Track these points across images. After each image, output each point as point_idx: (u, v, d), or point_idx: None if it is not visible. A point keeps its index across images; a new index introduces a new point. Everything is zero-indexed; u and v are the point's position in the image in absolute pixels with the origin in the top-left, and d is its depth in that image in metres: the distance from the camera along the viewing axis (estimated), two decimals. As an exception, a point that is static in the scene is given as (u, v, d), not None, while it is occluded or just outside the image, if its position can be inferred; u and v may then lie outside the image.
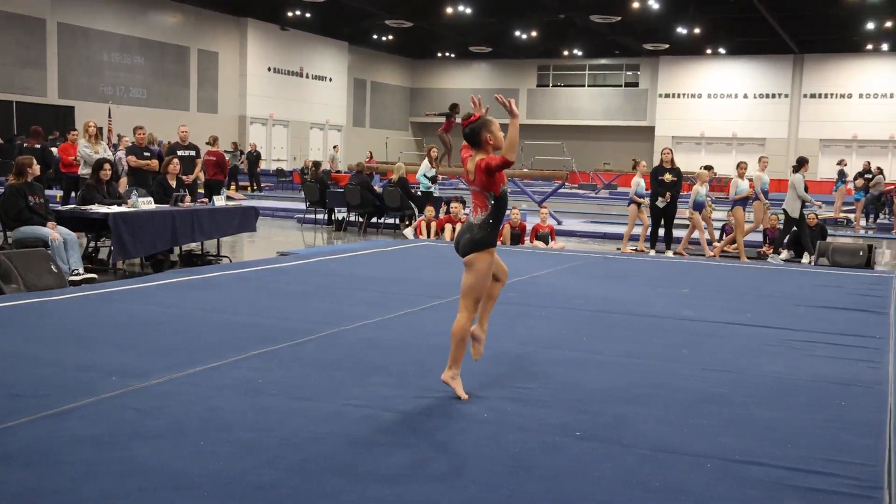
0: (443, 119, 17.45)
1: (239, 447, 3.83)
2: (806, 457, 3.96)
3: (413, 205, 15.89)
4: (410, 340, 6.15)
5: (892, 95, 37.98)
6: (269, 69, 36.48)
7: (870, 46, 36.93)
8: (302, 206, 18.31)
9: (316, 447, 3.87)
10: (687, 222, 14.04)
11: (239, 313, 6.96)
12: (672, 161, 13.28)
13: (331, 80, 40.37)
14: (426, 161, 16.16)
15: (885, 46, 36.73)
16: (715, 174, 13.99)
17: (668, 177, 13.06)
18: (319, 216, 17.60)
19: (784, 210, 13.26)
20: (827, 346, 6.39)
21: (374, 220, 16.64)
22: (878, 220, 21.55)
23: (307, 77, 38.86)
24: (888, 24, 31.02)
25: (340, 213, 17.19)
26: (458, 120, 18.09)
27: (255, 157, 27.98)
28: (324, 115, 40.20)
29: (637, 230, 14.38)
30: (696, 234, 13.74)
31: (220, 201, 11.41)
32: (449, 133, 18.30)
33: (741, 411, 4.66)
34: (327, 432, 4.08)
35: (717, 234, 14.74)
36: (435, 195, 16.27)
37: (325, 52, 39.85)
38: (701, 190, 13.47)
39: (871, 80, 38.19)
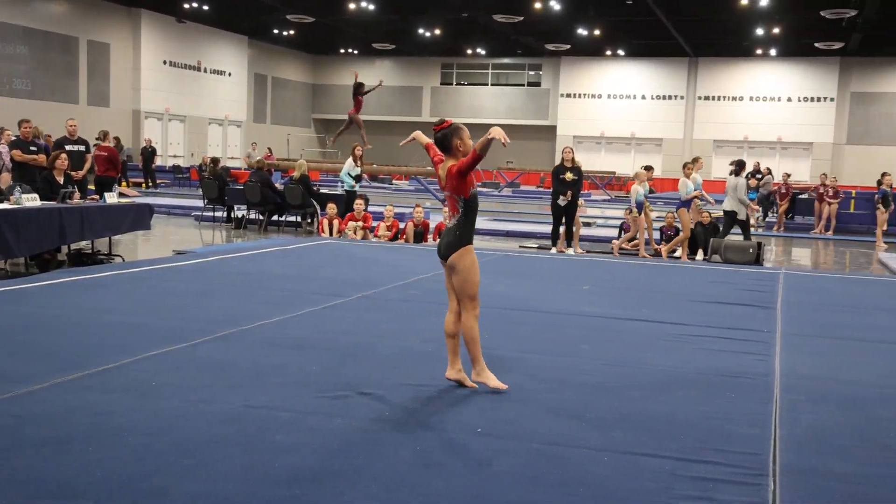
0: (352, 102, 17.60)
1: (129, 453, 3.73)
2: (697, 447, 4.09)
3: (315, 202, 15.77)
4: (312, 340, 6.10)
5: (779, 99, 39.48)
6: (165, 62, 35.63)
7: (759, 51, 38.28)
8: (200, 203, 17.97)
9: (211, 450, 3.81)
10: (591, 220, 14.32)
11: (131, 314, 6.79)
12: (573, 160, 13.47)
13: (230, 74, 39.68)
14: (350, 160, 15.94)
15: (773, 52, 38.12)
16: (651, 175, 14.00)
17: (569, 175, 13.25)
18: (218, 214, 17.31)
19: (725, 211, 13.49)
20: (718, 340, 6.60)
21: (275, 218, 16.45)
22: (767, 219, 22.35)
23: (205, 71, 38.11)
24: (776, 30, 32.18)
25: (240, 211, 16.94)
26: (368, 88, 18.02)
27: (149, 153, 27.31)
28: (223, 111, 39.48)
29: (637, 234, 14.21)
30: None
31: (111, 198, 11.10)
32: (359, 113, 18.29)
33: (637, 405, 4.78)
34: (224, 435, 4.01)
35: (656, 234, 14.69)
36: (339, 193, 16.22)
37: (223, 45, 39.15)
38: (640, 190, 13.52)
39: (760, 83, 39.62)
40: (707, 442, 4.18)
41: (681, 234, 13.27)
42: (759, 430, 4.41)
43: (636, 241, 13.72)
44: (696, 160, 13.93)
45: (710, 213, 14.24)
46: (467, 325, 4.93)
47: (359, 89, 18.64)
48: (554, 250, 13.48)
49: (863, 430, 4.47)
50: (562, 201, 13.22)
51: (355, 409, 4.51)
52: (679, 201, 13.47)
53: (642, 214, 13.46)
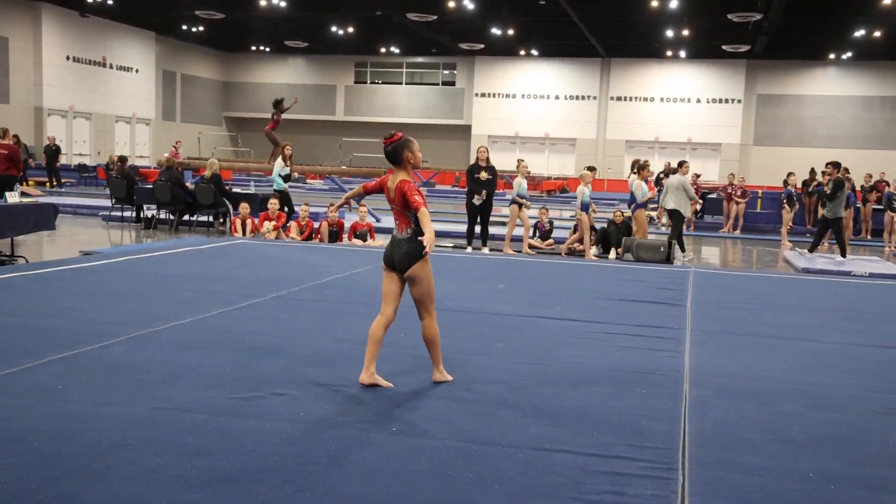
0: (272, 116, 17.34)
1: (36, 458, 3.65)
2: (609, 443, 4.19)
3: (227, 202, 15.56)
4: (224, 341, 6.04)
5: (689, 100, 40.45)
6: (69, 58, 34.66)
7: (669, 53, 39.16)
8: (107, 203, 17.56)
9: (121, 454, 3.75)
10: (506, 220, 14.42)
11: (36, 316, 6.61)
12: (487, 160, 13.57)
13: (137, 71, 38.83)
14: (279, 160, 15.55)
15: (682, 53, 39.03)
16: (594, 176, 14.16)
17: (483, 175, 13.33)
18: (127, 214, 16.94)
19: (670, 209, 13.92)
20: (630, 338, 6.75)
21: (186, 217, 16.18)
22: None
23: (111, 67, 37.20)
24: (685, 32, 32.96)
25: (150, 211, 16.61)
26: (287, 105, 17.60)
27: (53, 152, 26.55)
28: (130, 108, 38.61)
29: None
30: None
31: (13, 198, 10.77)
32: (276, 130, 18.01)
33: (551, 401, 4.86)
34: (134, 438, 3.96)
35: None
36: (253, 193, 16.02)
37: (130, 41, 38.28)
38: (586, 191, 13.57)
39: (671, 85, 40.52)
40: (619, 437, 4.29)
41: (581, 233, 13.64)
42: (669, 425, 4.54)
43: (579, 243, 13.96)
44: (646, 164, 14.54)
45: (622, 213, 14.54)
46: (431, 327, 5.07)
47: (278, 106, 18.36)
48: (469, 249, 13.59)
49: (769, 424, 4.63)
50: (476, 200, 13.32)
51: (269, 409, 4.49)
52: (635, 204, 13.84)
53: (588, 215, 13.61)
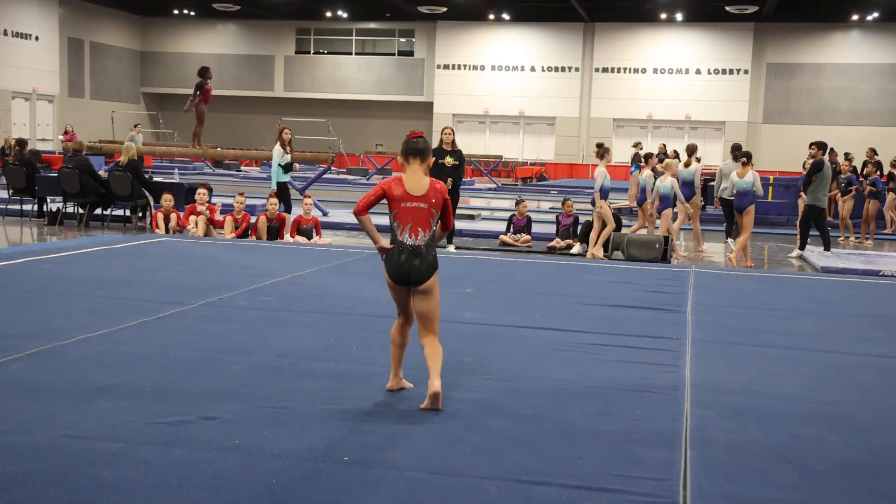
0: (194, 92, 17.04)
1: (-79, 496, 3.60)
2: (597, 473, 4.20)
3: (147, 193, 15.43)
4: (145, 356, 6.00)
5: (687, 71, 40.60)
6: (-45, 23, 34.27)
7: (664, 16, 39.39)
8: (3, 195, 17.35)
9: (22, 490, 3.71)
10: (474, 213, 14.47)
11: (-80, 329, 6.53)
12: (453, 142, 13.54)
13: (37, 38, 38.38)
14: (278, 146, 14.90)
15: (679, 16, 39.30)
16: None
17: (448, 160, 13.31)
18: (27, 207, 16.76)
19: (725, 199, 14.55)
20: (620, 350, 6.79)
21: (98, 211, 16.03)
22: (674, 210, 23.01)
23: (5, 34, 36.76)
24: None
25: (55, 204, 16.44)
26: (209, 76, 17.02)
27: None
28: (29, 82, 38.18)
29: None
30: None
31: None
32: (207, 104, 17.72)
33: (529, 425, 4.87)
34: (37, 472, 3.91)
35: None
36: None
37: (26, 2, 37.85)
38: (607, 174, 13.52)
39: (666, 54, 40.66)
40: (609, 466, 4.30)
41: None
42: (667, 451, 4.56)
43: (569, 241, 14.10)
44: (650, 154, 15.50)
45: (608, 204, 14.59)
46: (438, 343, 5.25)
47: (204, 75, 17.93)
48: (452, 248, 13.52)
49: (783, 450, 4.67)
50: None
51: (198, 436, 4.46)
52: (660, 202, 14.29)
53: (602, 204, 13.62)
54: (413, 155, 5.30)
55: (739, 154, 14.39)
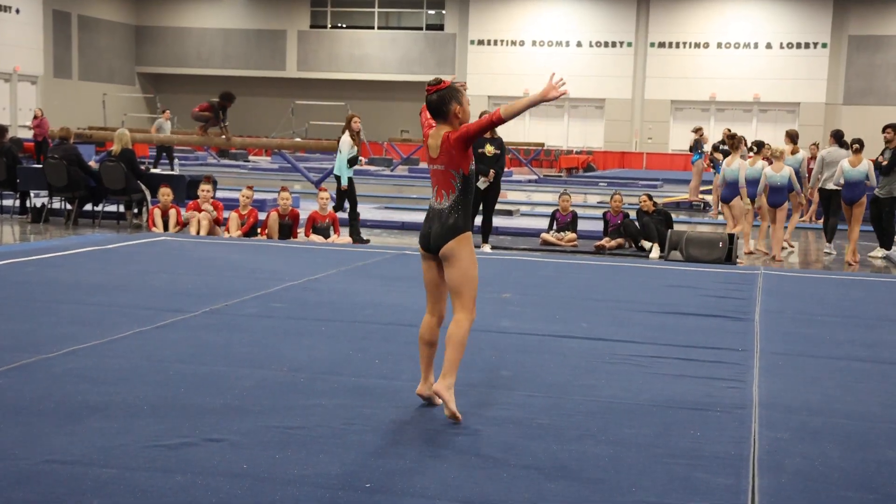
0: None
1: None
2: (651, 503, 4.19)
3: (143, 186, 15.53)
4: (141, 370, 6.04)
5: (756, 46, 40.36)
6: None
7: (730, -16, 39.25)
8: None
9: (6, 521, 3.75)
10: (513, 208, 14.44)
11: None
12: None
13: (17, 11, 38.67)
14: (346, 136, 14.64)
15: (748, -16, 39.12)
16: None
17: (489, 149, 13.29)
18: (7, 203, 16.90)
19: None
20: (677, 362, 6.76)
21: (88, 207, 16.14)
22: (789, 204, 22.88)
23: (-17, 7, 37.13)
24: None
25: (39, 199, 16.57)
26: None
27: None
28: (10, 61, 38.49)
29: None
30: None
31: None
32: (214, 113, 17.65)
33: (575, 447, 4.87)
34: (18, 501, 3.95)
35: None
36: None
37: (8, -29, 38.21)
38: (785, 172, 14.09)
39: (732, 26, 40.44)
40: (665, 496, 4.29)
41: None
42: (732, 479, 4.54)
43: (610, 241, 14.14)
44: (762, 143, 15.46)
45: (649, 198, 14.59)
46: (463, 327, 5.21)
47: (229, 100, 17.73)
48: (487, 248, 13.48)
49: (866, 477, 4.65)
50: (481, 183, 13.22)
51: (202, 460, 4.49)
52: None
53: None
54: (430, 113, 5.34)
55: (851, 140, 14.47)
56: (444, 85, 5.25)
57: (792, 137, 16.25)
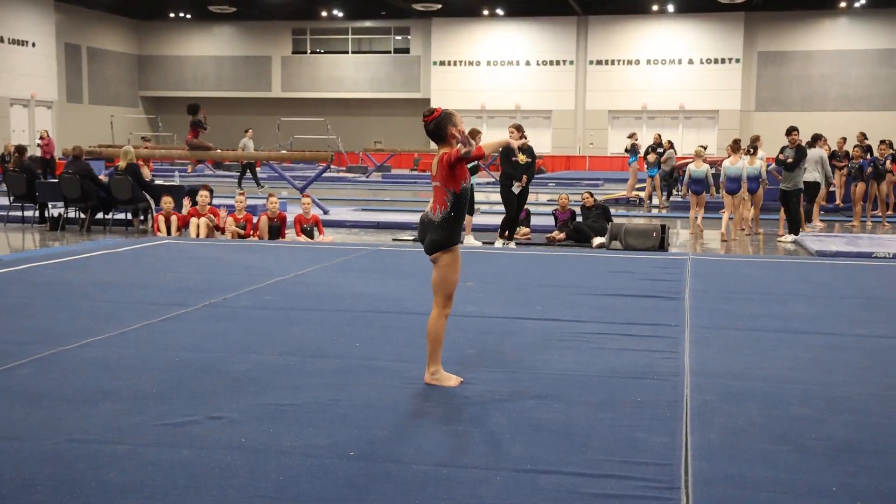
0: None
1: (-70, 503, 3.61)
2: (599, 460, 4.21)
3: (147, 195, 15.43)
4: (150, 358, 6.00)
5: (680, 62, 40.63)
6: (-48, 32, 34.19)
7: (656, 8, 39.41)
8: (4, 201, 17.34)
9: (28, 496, 3.71)
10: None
11: (-74, 337, 6.53)
12: (520, 138, 12.85)
13: (34, 45, 38.33)
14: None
15: (671, 7, 39.30)
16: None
17: (521, 158, 13.05)
18: (28, 214, 16.75)
19: (809, 182, 15.56)
20: (620, 338, 6.79)
21: (99, 216, 16.03)
22: (672, 199, 23.03)
23: (2, 41, 36.73)
24: (674, -17, 33.21)
25: (56, 210, 16.44)
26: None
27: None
28: (27, 89, 38.14)
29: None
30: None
31: None
32: (198, 137, 17.51)
33: (531, 415, 4.88)
34: (43, 476, 3.92)
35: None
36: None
37: (23, 9, 37.79)
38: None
39: (659, 45, 40.68)
40: (611, 453, 4.31)
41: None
42: (668, 437, 4.57)
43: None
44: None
45: (590, 194, 14.66)
46: (438, 323, 5.38)
47: (195, 112, 17.57)
48: (499, 244, 13.32)
49: (782, 432, 4.68)
50: (516, 188, 13.03)
51: (204, 436, 4.46)
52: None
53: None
54: (431, 138, 5.44)
55: (749, 144, 15.85)
56: (438, 113, 5.30)
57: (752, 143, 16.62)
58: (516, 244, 13.68)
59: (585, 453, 4.30)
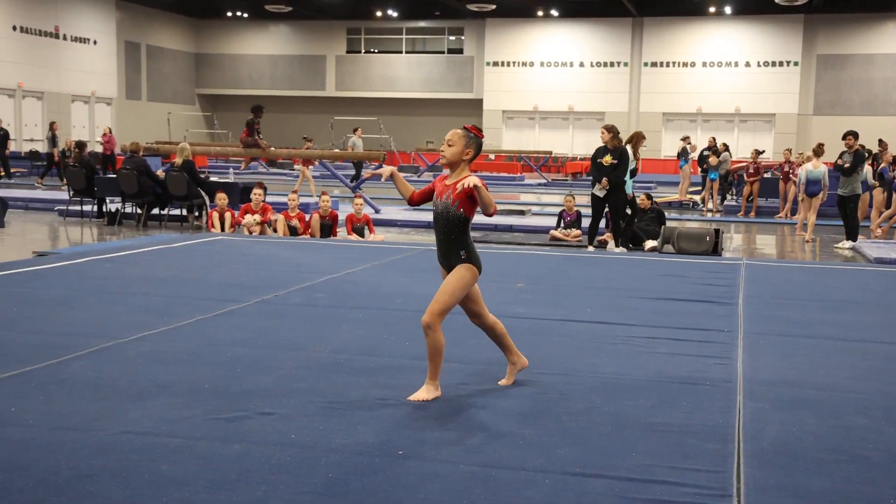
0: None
1: (-13, 491, 3.66)
2: (649, 465, 4.17)
3: (202, 192, 15.58)
4: (202, 353, 6.05)
5: (736, 64, 40.25)
6: (15, 28, 34.76)
7: (713, 9, 39.05)
8: (64, 196, 17.59)
9: (84, 486, 3.75)
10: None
11: (-15, 328, 6.63)
12: (611, 140, 12.90)
13: (95, 42, 38.92)
14: (628, 148, 13.50)
15: (728, 9, 38.93)
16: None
17: (607, 159, 12.81)
18: (87, 208, 16.98)
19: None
20: (670, 342, 6.73)
21: (155, 211, 16.20)
22: (726, 203, 22.81)
23: (64, 38, 37.31)
24: (732, -15, 32.90)
25: (114, 205, 16.65)
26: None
27: (0, 137, 26.59)
28: (88, 86, 38.72)
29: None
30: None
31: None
32: (258, 135, 17.53)
33: (580, 418, 4.84)
34: (99, 467, 3.96)
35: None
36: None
37: (85, 8, 38.38)
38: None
39: (715, 47, 40.35)
40: (660, 459, 4.27)
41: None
42: (720, 443, 4.51)
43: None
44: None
45: (649, 196, 14.53)
46: (432, 337, 5.08)
47: (257, 113, 17.70)
48: (590, 248, 13.22)
49: (838, 441, 4.61)
50: (597, 191, 12.87)
51: (255, 432, 4.49)
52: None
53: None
54: (479, 150, 5.55)
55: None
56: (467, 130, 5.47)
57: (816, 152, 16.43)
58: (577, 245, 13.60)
59: (635, 458, 4.26)
